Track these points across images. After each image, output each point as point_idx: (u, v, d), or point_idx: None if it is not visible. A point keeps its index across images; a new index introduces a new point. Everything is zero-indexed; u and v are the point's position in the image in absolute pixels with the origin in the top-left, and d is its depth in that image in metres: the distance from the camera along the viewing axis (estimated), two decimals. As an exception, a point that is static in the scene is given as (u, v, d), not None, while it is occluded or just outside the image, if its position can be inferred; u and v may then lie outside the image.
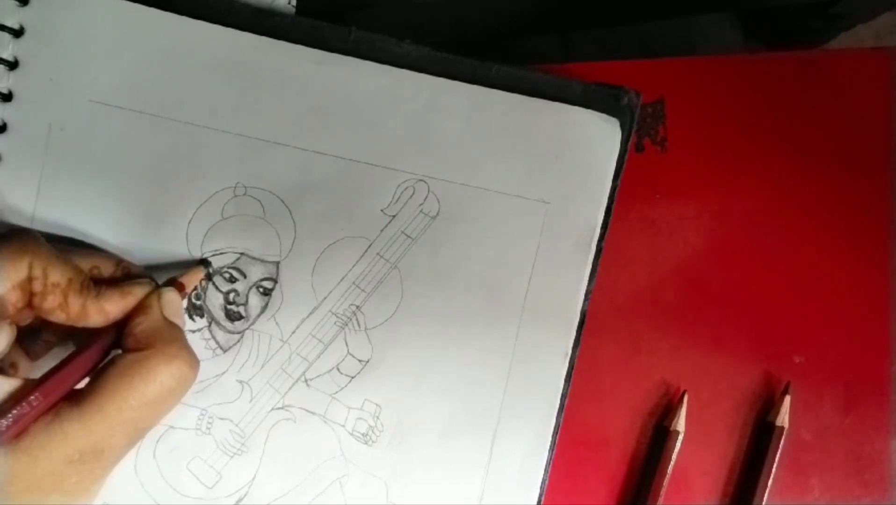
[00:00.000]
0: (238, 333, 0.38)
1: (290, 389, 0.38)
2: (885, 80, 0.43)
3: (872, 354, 0.42)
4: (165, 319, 0.33)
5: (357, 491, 0.38)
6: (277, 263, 0.38)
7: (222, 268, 0.38)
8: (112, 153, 0.37)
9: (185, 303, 0.37)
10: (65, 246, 0.35)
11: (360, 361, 0.38)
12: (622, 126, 0.38)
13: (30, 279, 0.31)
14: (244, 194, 0.38)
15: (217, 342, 0.38)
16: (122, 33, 0.37)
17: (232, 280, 0.38)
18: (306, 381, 0.38)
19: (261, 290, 0.38)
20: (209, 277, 0.38)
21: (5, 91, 0.37)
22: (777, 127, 0.42)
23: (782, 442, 0.41)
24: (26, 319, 0.33)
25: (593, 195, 0.38)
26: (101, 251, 0.36)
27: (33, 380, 0.30)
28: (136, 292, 0.33)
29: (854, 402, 0.42)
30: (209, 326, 0.38)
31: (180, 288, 0.35)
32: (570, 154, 0.38)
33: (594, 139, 0.38)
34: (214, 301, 0.38)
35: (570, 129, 0.38)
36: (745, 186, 0.42)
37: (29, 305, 0.31)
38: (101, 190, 0.37)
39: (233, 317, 0.38)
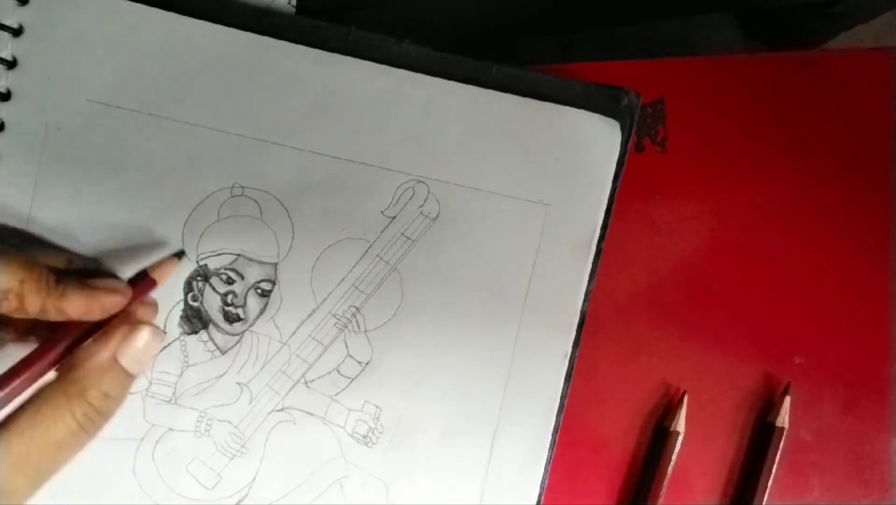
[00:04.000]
0: (237, 334, 0.38)
1: (289, 390, 0.38)
2: (885, 80, 0.43)
3: (872, 354, 0.43)
4: (115, 359, 0.31)
5: (357, 492, 0.38)
6: (275, 265, 0.38)
7: (219, 269, 0.38)
8: (109, 152, 0.37)
9: (179, 312, 0.37)
10: (24, 240, 0.33)
11: (359, 362, 0.38)
12: (622, 127, 0.38)
13: None
14: (241, 195, 0.38)
15: (215, 344, 0.38)
16: (120, 33, 0.37)
17: (229, 281, 0.38)
18: (306, 382, 0.38)
19: (259, 291, 0.38)
20: (206, 278, 0.38)
21: (3, 90, 0.37)
22: (777, 127, 0.42)
23: (782, 442, 0.41)
24: None
25: (593, 196, 0.38)
26: (51, 248, 0.34)
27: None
28: (102, 300, 0.32)
29: (854, 402, 0.42)
30: (207, 328, 0.38)
31: (150, 284, 0.34)
32: (570, 156, 0.38)
33: (594, 141, 0.38)
34: (212, 303, 0.38)
35: (570, 130, 0.38)
36: (745, 186, 0.42)
37: None
38: (98, 189, 0.37)
39: (231, 319, 0.38)
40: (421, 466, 0.38)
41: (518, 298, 0.38)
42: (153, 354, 0.33)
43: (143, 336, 0.32)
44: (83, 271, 0.34)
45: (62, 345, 0.31)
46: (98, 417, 0.30)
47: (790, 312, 0.42)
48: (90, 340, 0.32)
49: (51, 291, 0.31)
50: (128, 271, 0.36)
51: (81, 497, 0.37)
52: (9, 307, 0.30)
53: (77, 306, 0.31)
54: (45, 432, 0.28)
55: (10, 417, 0.28)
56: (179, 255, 0.37)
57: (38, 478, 0.28)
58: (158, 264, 0.35)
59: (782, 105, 0.42)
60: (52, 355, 0.31)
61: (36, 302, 0.30)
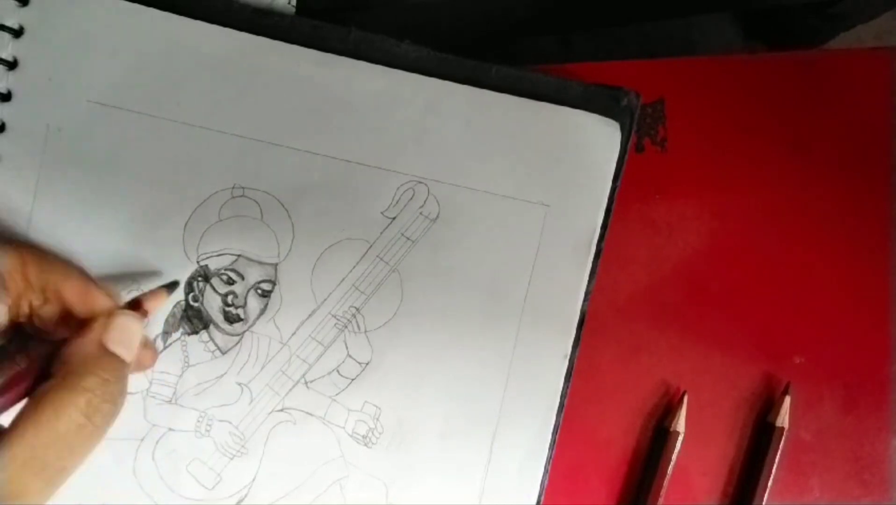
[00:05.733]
0: (237, 335, 0.38)
1: (289, 391, 0.38)
2: (885, 80, 0.43)
3: (872, 354, 0.43)
4: (102, 346, 0.30)
5: (357, 492, 0.38)
6: (276, 265, 0.38)
7: (220, 270, 0.38)
8: (110, 154, 0.37)
9: (180, 312, 0.37)
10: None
11: (359, 363, 0.38)
12: (622, 127, 0.38)
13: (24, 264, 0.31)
14: (242, 196, 0.38)
15: (216, 344, 0.38)
16: (120, 34, 0.37)
17: (230, 282, 0.38)
18: (306, 383, 0.38)
19: (259, 291, 0.38)
20: (207, 279, 0.38)
21: (4, 91, 0.37)
22: (777, 127, 0.42)
23: (782, 442, 0.41)
24: None
25: (593, 197, 0.38)
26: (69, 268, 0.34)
27: None
28: (99, 300, 0.32)
29: (854, 402, 0.42)
30: (207, 328, 0.38)
31: (139, 310, 0.33)
32: (570, 156, 0.38)
33: (594, 141, 0.38)
34: (213, 303, 0.38)
35: (570, 131, 0.38)
36: (745, 186, 0.42)
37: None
38: (99, 190, 0.37)
39: (231, 319, 0.38)
40: (421, 467, 0.38)
41: (518, 298, 0.38)
42: (139, 336, 0.32)
43: (122, 319, 0.32)
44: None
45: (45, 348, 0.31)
46: (103, 406, 0.29)
47: (790, 312, 0.42)
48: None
49: (55, 269, 0.31)
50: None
51: (82, 497, 0.37)
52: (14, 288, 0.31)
53: (73, 286, 0.32)
54: (50, 429, 0.27)
55: (14, 420, 0.27)
56: (171, 286, 0.36)
57: (52, 477, 0.28)
58: (150, 294, 0.35)
59: (782, 105, 0.42)
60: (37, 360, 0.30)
61: (36, 276, 0.31)
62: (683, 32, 0.50)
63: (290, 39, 0.37)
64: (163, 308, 0.36)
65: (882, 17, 0.52)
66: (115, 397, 0.29)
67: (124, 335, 0.31)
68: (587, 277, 0.38)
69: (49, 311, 0.32)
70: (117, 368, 0.30)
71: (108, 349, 0.30)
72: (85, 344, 0.30)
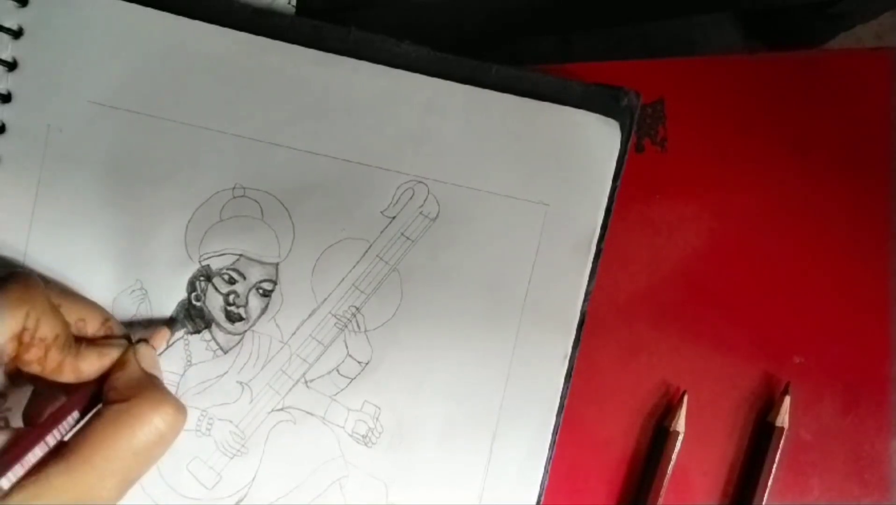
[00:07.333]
0: (238, 334, 0.38)
1: (290, 390, 0.38)
2: (885, 80, 0.43)
3: (872, 354, 0.42)
4: (143, 371, 0.33)
5: (357, 492, 0.38)
6: (276, 265, 0.38)
7: (221, 269, 0.38)
8: (111, 154, 0.37)
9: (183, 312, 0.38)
10: (58, 290, 0.34)
11: (359, 362, 0.38)
12: (622, 127, 0.38)
13: (23, 329, 0.30)
14: (243, 196, 0.38)
15: (217, 343, 0.38)
16: (120, 34, 0.37)
17: (231, 281, 0.38)
18: (306, 382, 0.38)
19: (260, 291, 0.38)
20: (209, 278, 0.38)
21: (4, 92, 0.37)
22: (777, 127, 0.42)
23: (782, 442, 0.41)
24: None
25: (593, 196, 0.38)
26: (91, 304, 0.35)
27: (22, 429, 0.29)
28: (112, 354, 0.33)
29: (854, 402, 0.42)
30: (209, 327, 0.38)
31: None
32: (570, 156, 0.38)
33: (594, 141, 0.38)
34: (214, 303, 0.38)
35: (570, 130, 0.38)
36: (745, 186, 0.42)
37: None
38: (100, 191, 0.37)
39: (233, 318, 0.38)
40: (420, 466, 0.38)
41: (518, 298, 0.38)
42: (157, 363, 0.36)
43: (147, 348, 0.35)
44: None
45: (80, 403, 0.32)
46: (177, 418, 0.32)
47: (790, 312, 0.42)
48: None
49: (71, 349, 0.32)
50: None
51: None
52: (34, 355, 0.31)
53: (90, 364, 0.32)
54: (127, 442, 0.29)
55: (82, 436, 0.29)
56: (171, 323, 0.37)
57: (125, 485, 0.30)
58: (155, 332, 0.36)
59: (782, 105, 0.42)
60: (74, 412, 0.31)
61: (56, 358, 0.31)
62: (683, 32, 0.50)
63: (290, 39, 0.37)
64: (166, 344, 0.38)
65: (882, 17, 0.52)
66: (181, 407, 0.32)
67: (151, 360, 0.34)
68: (587, 276, 0.38)
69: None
70: (161, 385, 0.33)
71: (149, 372, 0.33)
72: (130, 372, 0.33)
